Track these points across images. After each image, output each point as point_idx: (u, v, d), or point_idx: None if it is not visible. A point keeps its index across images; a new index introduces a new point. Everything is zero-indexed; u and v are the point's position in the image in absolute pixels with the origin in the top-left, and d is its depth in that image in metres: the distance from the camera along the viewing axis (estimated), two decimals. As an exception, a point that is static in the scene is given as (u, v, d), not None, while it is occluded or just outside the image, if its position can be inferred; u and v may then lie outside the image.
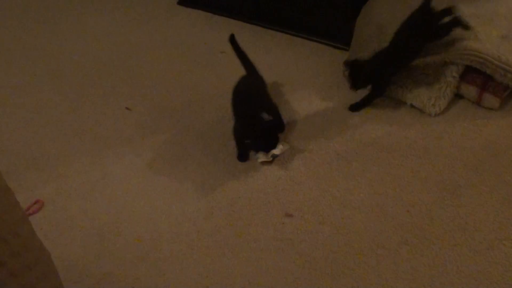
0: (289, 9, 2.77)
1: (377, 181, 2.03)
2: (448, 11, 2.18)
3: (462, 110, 2.27)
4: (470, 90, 2.27)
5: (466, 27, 2.18)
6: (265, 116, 2.18)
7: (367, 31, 2.47)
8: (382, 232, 1.86)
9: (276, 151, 2.12)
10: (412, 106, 2.30)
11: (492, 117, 2.23)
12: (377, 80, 2.26)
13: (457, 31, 2.20)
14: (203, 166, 2.17)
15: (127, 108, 2.48)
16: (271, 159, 2.14)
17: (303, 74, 2.57)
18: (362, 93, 2.32)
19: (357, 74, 2.21)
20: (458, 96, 2.31)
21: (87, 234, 1.96)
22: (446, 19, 2.18)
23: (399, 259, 1.77)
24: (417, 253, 1.78)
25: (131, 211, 2.03)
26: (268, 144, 2.13)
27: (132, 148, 2.28)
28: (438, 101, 2.23)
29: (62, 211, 2.05)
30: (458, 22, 2.17)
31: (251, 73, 2.29)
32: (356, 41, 2.51)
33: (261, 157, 2.13)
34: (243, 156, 2.17)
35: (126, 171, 2.19)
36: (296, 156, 2.16)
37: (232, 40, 2.34)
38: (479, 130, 2.18)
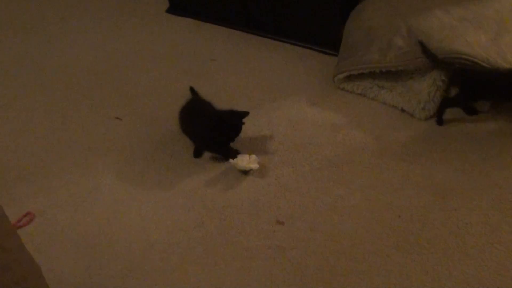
0: (278, 15, 2.77)
1: (368, 187, 2.02)
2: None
3: (452, 114, 2.26)
4: (459, 93, 2.27)
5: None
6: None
7: (356, 36, 2.47)
8: (373, 238, 1.85)
9: (254, 166, 2.11)
10: (402, 110, 2.30)
11: (482, 120, 2.23)
12: None
13: (448, 34, 2.21)
14: (193, 175, 2.16)
15: (117, 118, 2.47)
16: (248, 169, 2.12)
17: (292, 80, 2.57)
18: (352, 100, 2.32)
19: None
20: (447, 99, 2.31)
21: (77, 246, 1.95)
22: None
23: (391, 264, 1.77)
24: (409, 258, 1.78)
25: (122, 222, 2.02)
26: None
27: (122, 158, 2.28)
28: (428, 105, 2.23)
29: (53, 223, 2.04)
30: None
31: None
32: (345, 46, 2.51)
33: (239, 164, 2.11)
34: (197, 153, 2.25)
35: (116, 182, 2.18)
36: (286, 163, 2.16)
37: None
38: (470, 133, 2.18)
